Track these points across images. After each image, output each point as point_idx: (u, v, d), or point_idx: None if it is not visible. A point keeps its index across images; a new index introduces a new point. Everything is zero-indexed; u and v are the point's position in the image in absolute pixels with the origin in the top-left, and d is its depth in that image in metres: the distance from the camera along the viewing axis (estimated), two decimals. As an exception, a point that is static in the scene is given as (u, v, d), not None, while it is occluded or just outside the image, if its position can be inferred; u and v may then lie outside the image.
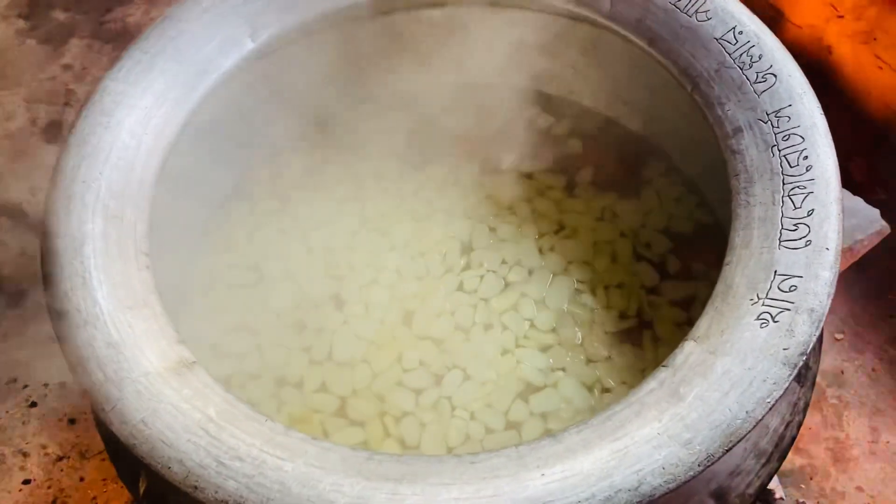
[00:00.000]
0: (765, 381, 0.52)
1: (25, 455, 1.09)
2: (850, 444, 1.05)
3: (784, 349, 0.53)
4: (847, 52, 1.22)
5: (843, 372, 1.09)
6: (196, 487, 0.49)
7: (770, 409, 0.51)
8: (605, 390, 0.78)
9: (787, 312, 0.54)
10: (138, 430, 0.51)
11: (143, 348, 0.55)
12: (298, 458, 0.51)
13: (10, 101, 1.41)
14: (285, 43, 0.78)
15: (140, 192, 0.63)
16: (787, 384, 0.52)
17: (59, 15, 1.51)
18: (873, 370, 1.09)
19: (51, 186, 0.61)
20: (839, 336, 1.11)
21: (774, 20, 1.32)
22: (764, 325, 0.54)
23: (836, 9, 1.22)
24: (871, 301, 1.13)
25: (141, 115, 0.67)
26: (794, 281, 0.55)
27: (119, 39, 1.48)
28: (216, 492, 0.49)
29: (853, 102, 1.19)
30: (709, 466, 0.50)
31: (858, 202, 0.78)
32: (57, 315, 0.55)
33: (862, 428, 1.05)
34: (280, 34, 0.76)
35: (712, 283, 0.59)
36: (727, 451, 0.50)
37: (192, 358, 0.56)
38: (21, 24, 1.49)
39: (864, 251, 0.80)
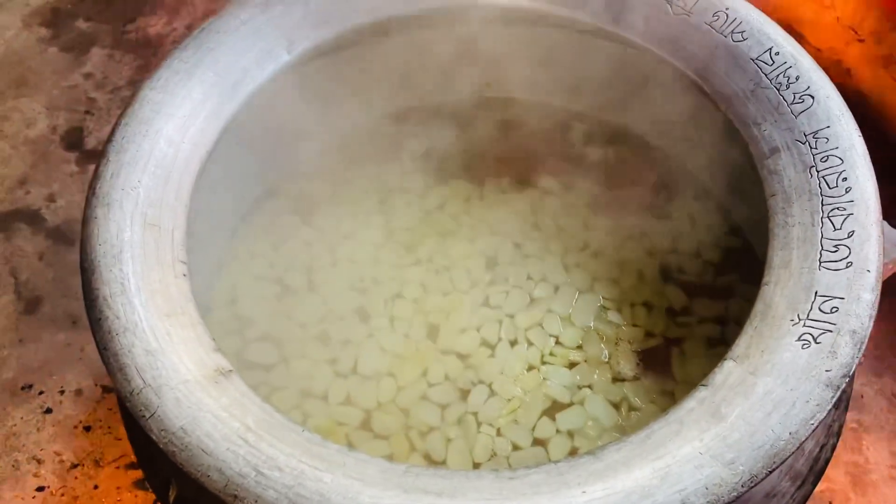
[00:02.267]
0: (808, 402, 0.52)
1: (39, 462, 1.08)
2: (869, 469, 1.04)
3: (826, 371, 0.52)
4: (867, 76, 1.22)
5: (862, 396, 1.08)
6: (236, 497, 0.49)
7: (813, 431, 0.51)
8: (633, 409, 0.78)
9: (829, 334, 0.54)
10: (178, 437, 0.51)
11: (181, 356, 0.55)
12: (337, 469, 0.51)
13: (30, 109, 1.41)
14: (318, 55, 0.79)
15: (177, 201, 0.63)
16: (829, 406, 0.51)
17: (81, 24, 1.52)
18: (893, 394, 1.09)
19: (89, 193, 0.61)
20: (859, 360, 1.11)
21: (794, 43, 1.33)
22: (805, 345, 0.54)
23: (856, 32, 1.23)
24: (891, 325, 1.13)
25: (179, 124, 0.67)
26: (835, 302, 0.55)
27: (140, 49, 1.49)
28: (256, 501, 0.49)
29: (874, 125, 1.20)
30: (752, 488, 0.49)
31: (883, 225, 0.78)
32: (96, 321, 0.55)
33: (882, 452, 1.05)
34: (315, 47, 0.76)
35: (741, 304, 0.59)
36: (770, 472, 0.50)
37: (228, 366, 0.56)
38: (43, 32, 1.50)
39: (888, 274, 0.80)
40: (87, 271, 0.57)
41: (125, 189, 0.61)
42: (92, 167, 1.31)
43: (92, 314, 0.56)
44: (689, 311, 0.84)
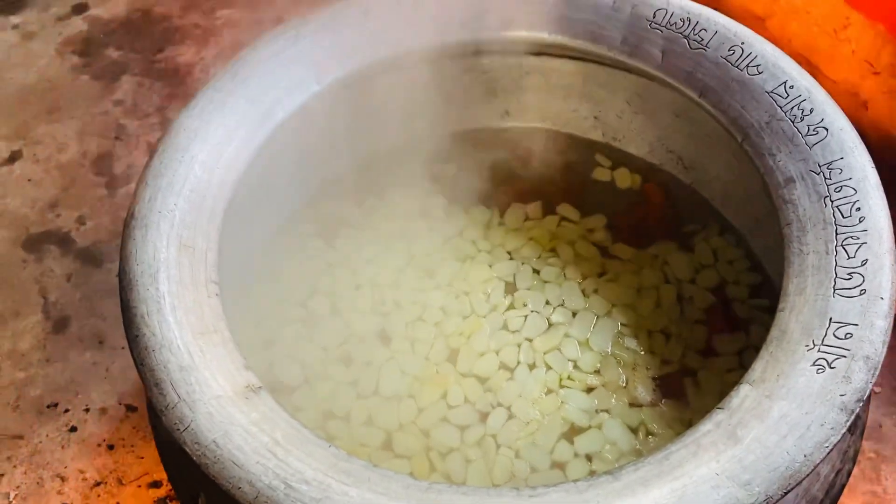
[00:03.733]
0: (822, 425, 0.53)
1: (63, 479, 1.10)
2: (887, 499, 1.04)
3: (841, 395, 0.54)
4: (883, 109, 1.24)
5: (880, 426, 1.08)
6: (265, 509, 0.50)
7: (827, 454, 0.52)
8: (650, 434, 0.79)
9: (843, 359, 0.55)
10: (210, 450, 0.52)
11: (213, 372, 0.57)
12: (362, 483, 0.53)
13: (62, 134, 1.45)
14: (345, 85, 0.82)
15: (210, 223, 0.66)
16: (844, 430, 0.53)
17: (113, 53, 1.57)
18: (911, 425, 1.08)
19: (128, 216, 0.64)
20: (877, 389, 1.11)
21: (809, 74, 1.35)
22: (820, 370, 0.55)
23: (872, 65, 1.25)
24: (908, 355, 1.13)
25: (213, 150, 0.70)
26: (849, 329, 0.56)
27: (170, 77, 1.53)
28: (284, 514, 0.51)
29: (891, 157, 1.21)
30: (768, 509, 0.50)
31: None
32: (133, 338, 0.57)
33: (900, 483, 1.05)
34: (343, 77, 0.79)
35: (760, 332, 0.60)
36: (785, 493, 0.51)
37: (258, 383, 0.58)
38: (76, 60, 1.55)
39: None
40: (125, 290, 0.60)
41: (162, 212, 0.64)
42: (120, 191, 1.35)
43: (130, 331, 0.58)
44: (711, 348, 0.85)
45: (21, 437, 1.12)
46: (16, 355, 1.19)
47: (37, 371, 1.17)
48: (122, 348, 1.17)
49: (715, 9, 1.41)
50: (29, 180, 1.38)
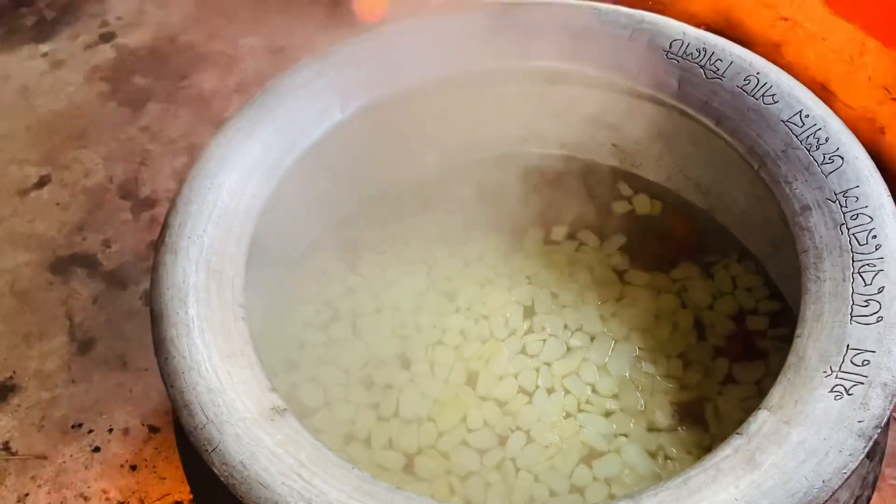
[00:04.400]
0: (840, 451, 0.53)
1: (86, 499, 1.11)
2: (909, 527, 1.03)
3: (859, 421, 0.54)
4: (900, 135, 1.24)
5: (901, 452, 1.08)
6: (291, 530, 0.52)
7: (846, 480, 0.53)
8: (669, 458, 0.79)
9: (860, 386, 0.56)
10: (238, 471, 0.54)
11: (240, 394, 0.59)
12: (386, 506, 0.54)
13: (89, 159, 1.48)
14: (368, 114, 0.84)
15: (238, 248, 0.68)
16: (862, 456, 0.53)
17: (139, 80, 1.60)
18: (933, 452, 1.08)
19: (159, 241, 0.66)
20: (897, 415, 1.11)
21: (825, 100, 1.36)
22: (838, 397, 0.56)
23: (889, 91, 1.26)
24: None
25: (240, 178, 0.72)
26: (866, 355, 0.57)
27: (194, 104, 1.56)
28: (309, 535, 0.52)
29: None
30: (787, 534, 0.51)
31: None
32: (164, 360, 0.59)
33: (922, 510, 1.04)
34: (366, 106, 0.82)
35: (780, 359, 0.61)
36: (804, 519, 0.51)
37: (283, 405, 0.60)
38: (104, 87, 1.59)
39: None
40: (155, 313, 0.62)
41: (191, 237, 0.66)
42: (145, 215, 1.38)
43: (160, 353, 0.60)
44: (730, 375, 0.85)
45: (45, 457, 1.13)
46: (42, 376, 1.21)
47: (62, 392, 1.19)
48: (146, 370, 1.19)
49: (733, 35, 1.43)
50: (57, 204, 1.41)
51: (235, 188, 0.71)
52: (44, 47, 1.64)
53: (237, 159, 0.73)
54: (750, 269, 0.93)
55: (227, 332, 0.62)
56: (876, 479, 0.67)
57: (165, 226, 0.67)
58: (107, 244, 1.35)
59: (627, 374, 0.86)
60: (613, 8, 0.84)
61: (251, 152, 0.73)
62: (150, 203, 1.39)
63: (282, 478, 0.54)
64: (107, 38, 1.65)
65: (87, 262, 1.33)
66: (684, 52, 0.79)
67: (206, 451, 0.55)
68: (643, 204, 1.00)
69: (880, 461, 0.68)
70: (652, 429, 0.82)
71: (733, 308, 0.91)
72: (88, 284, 1.30)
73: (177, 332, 0.60)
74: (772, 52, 1.45)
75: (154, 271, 0.64)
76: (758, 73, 0.76)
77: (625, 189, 1.01)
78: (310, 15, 1.68)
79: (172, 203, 0.69)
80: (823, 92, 1.36)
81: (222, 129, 0.74)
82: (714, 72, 0.77)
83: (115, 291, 1.29)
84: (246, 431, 0.56)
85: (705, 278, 0.93)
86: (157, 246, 0.66)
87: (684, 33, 0.80)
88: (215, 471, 0.54)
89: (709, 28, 1.56)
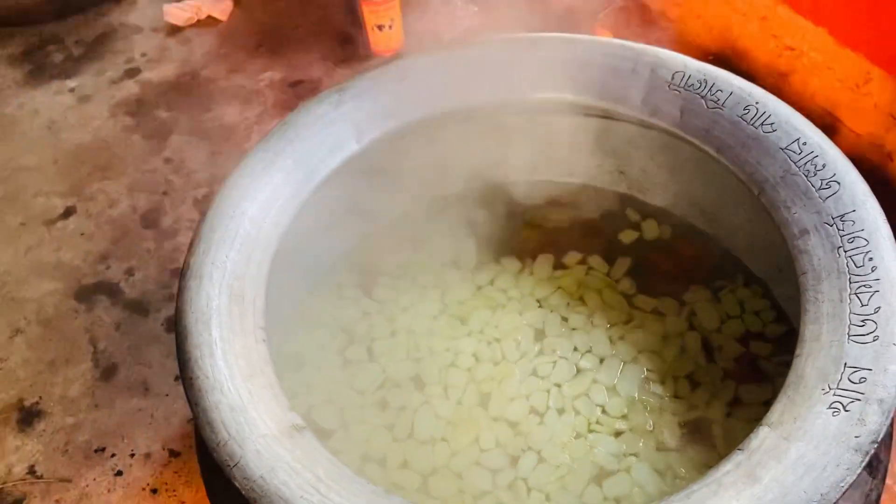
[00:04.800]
0: (838, 466, 0.55)
1: (109, 522, 1.14)
2: (920, 548, 1.03)
3: (856, 437, 0.56)
4: (908, 159, 1.26)
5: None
6: (309, 541, 0.54)
7: (843, 493, 0.54)
8: (677, 477, 0.81)
9: (857, 402, 0.58)
10: (258, 485, 0.56)
11: (260, 413, 0.61)
12: (400, 520, 0.56)
13: (114, 190, 1.53)
14: (382, 143, 0.88)
15: (258, 274, 0.71)
16: (859, 470, 0.55)
17: (162, 113, 1.66)
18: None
19: (184, 267, 0.70)
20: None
21: (832, 127, 1.38)
22: (836, 413, 0.58)
23: (895, 118, 1.28)
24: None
25: (261, 206, 0.75)
26: (863, 373, 0.59)
27: (215, 136, 1.61)
28: (327, 547, 0.54)
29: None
30: (786, 546, 0.52)
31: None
32: (188, 380, 0.62)
33: (934, 532, 1.04)
34: (381, 137, 0.85)
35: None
36: (804, 531, 0.53)
37: (302, 423, 0.62)
38: (128, 121, 1.64)
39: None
40: (180, 335, 0.65)
41: (215, 263, 0.69)
42: (167, 244, 1.42)
43: (185, 374, 0.63)
44: (737, 397, 0.87)
45: (69, 481, 1.16)
46: (66, 401, 1.24)
47: (85, 416, 1.23)
48: (167, 395, 1.23)
49: (739, 63, 1.46)
50: (82, 234, 1.45)
51: (256, 216, 0.75)
52: (71, 83, 1.71)
53: (258, 188, 0.77)
54: (757, 293, 0.95)
55: (248, 353, 0.65)
56: (879, 497, 0.68)
57: (190, 252, 0.71)
58: (130, 272, 1.39)
59: (636, 395, 0.88)
60: (618, 42, 0.87)
61: (272, 182, 0.77)
62: (172, 232, 1.44)
63: (300, 492, 0.56)
64: (131, 73, 1.71)
65: (111, 291, 1.38)
66: (686, 83, 0.83)
67: (228, 466, 0.57)
68: (650, 229, 1.03)
69: (883, 479, 0.70)
70: (661, 448, 0.83)
71: (741, 331, 0.93)
72: (112, 312, 1.34)
73: (200, 353, 0.63)
74: (778, 81, 1.48)
75: (179, 295, 0.68)
76: (757, 103, 0.79)
77: (632, 214, 1.04)
78: (326, 50, 1.74)
79: (197, 230, 0.72)
80: (831, 119, 1.39)
81: (244, 159, 0.78)
82: (715, 102, 0.80)
83: (137, 318, 1.33)
84: (266, 448, 0.59)
85: (713, 302, 0.95)
86: (182, 271, 0.69)
87: (686, 65, 0.83)
88: (237, 485, 0.57)
89: (716, 57, 1.59)
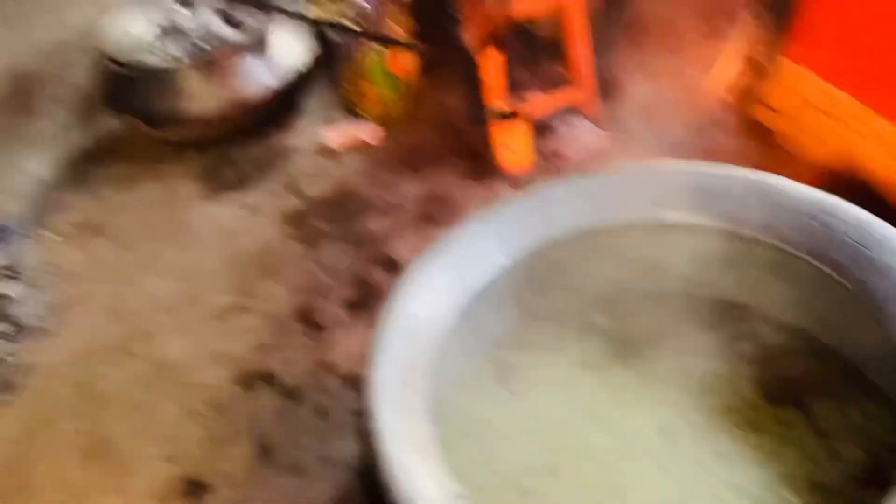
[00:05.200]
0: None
1: None
2: None
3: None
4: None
5: None
6: None
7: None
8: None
9: None
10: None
11: (427, 482, 0.73)
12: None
13: (274, 289, 1.70)
14: (529, 258, 1.00)
15: (423, 363, 0.84)
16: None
17: (318, 223, 1.84)
18: None
19: (368, 359, 0.84)
20: None
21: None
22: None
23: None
24: None
25: (423, 307, 0.89)
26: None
27: (362, 242, 1.77)
28: None
29: None
30: None
31: None
32: (374, 453, 0.75)
33: None
34: (527, 252, 0.98)
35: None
36: None
37: (463, 493, 0.73)
38: (288, 229, 1.85)
39: None
40: (363, 414, 0.78)
41: (388, 354, 0.83)
42: (321, 338, 1.57)
43: (365, 444, 0.75)
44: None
45: (231, 549, 1.28)
46: (229, 477, 1.37)
47: (244, 492, 1.35)
48: (317, 476, 1.34)
49: (857, 178, 1.48)
50: (247, 328, 1.63)
51: (419, 312, 0.88)
52: (242, 196, 1.94)
53: (420, 294, 0.91)
54: (881, 404, 0.99)
55: (418, 434, 0.77)
56: None
57: (370, 345, 0.85)
58: (286, 363, 1.53)
59: (762, 496, 0.92)
60: (740, 172, 0.97)
61: (433, 288, 0.91)
62: (325, 328, 1.59)
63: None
64: (293, 188, 1.93)
65: (269, 378, 1.52)
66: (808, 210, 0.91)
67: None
68: (770, 336, 1.08)
69: None
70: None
71: (865, 440, 0.96)
72: (271, 398, 1.48)
73: (379, 428, 0.76)
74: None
75: (363, 385, 0.81)
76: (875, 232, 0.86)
77: (752, 326, 1.10)
78: (459, 167, 1.91)
79: (378, 330, 0.86)
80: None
81: (411, 268, 0.93)
82: (833, 228, 0.88)
83: (293, 405, 1.45)
84: (433, 510, 0.70)
85: (836, 412, 0.99)
86: (367, 361, 0.83)
87: (801, 192, 0.93)
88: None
89: (833, 172, 1.63)
